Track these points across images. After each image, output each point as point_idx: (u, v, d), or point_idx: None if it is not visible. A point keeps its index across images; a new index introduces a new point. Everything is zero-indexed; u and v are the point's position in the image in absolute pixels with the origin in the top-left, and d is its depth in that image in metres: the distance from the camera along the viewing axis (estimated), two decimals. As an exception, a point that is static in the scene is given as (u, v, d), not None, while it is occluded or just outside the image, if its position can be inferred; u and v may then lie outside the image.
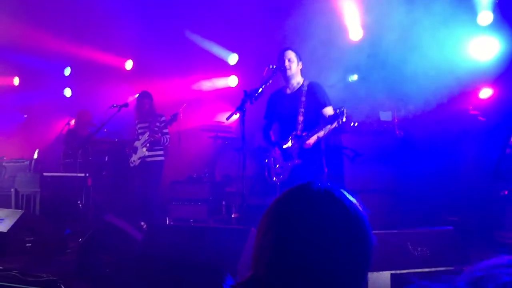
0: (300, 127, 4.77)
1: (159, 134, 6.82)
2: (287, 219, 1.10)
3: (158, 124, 6.90)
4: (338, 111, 4.49)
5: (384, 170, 6.25)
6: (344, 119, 4.46)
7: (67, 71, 10.74)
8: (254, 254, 1.14)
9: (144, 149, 6.87)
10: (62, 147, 8.33)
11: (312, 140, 4.67)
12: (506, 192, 5.42)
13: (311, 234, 1.06)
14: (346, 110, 4.47)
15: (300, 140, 4.69)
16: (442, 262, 3.44)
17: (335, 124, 4.58)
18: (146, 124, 6.99)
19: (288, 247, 1.07)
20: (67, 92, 10.71)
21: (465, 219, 5.57)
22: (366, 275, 1.11)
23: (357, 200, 1.16)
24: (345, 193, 1.15)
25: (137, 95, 7.30)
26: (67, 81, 10.74)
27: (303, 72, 5.07)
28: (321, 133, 4.69)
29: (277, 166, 4.83)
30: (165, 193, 7.49)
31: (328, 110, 4.75)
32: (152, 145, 6.87)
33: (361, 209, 1.14)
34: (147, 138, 6.85)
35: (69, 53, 9.99)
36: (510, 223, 5.23)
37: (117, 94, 9.06)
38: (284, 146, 4.82)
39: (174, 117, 6.83)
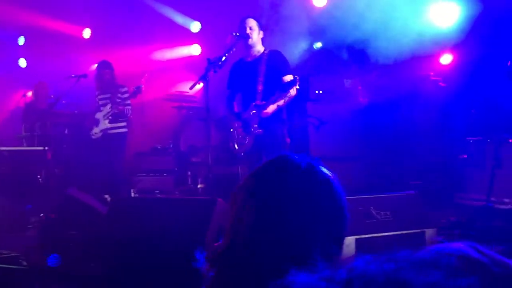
0: (259, 96, 4.74)
1: (122, 106, 6.64)
2: (266, 192, 1.12)
3: (119, 95, 6.70)
4: (292, 78, 4.50)
5: (348, 137, 6.33)
6: (297, 87, 4.48)
7: (21, 41, 10.27)
8: (230, 227, 1.14)
9: (106, 121, 6.68)
10: (21, 120, 8.03)
11: (271, 109, 4.65)
12: (465, 156, 5.59)
13: (289, 206, 1.08)
14: (299, 78, 4.49)
15: (259, 109, 4.67)
16: (405, 225, 3.54)
17: (292, 92, 4.57)
18: (108, 95, 6.76)
19: (268, 220, 1.08)
20: (22, 62, 10.26)
21: (427, 183, 5.73)
22: (343, 241, 1.14)
23: (332, 173, 1.18)
24: (322, 166, 1.17)
25: (96, 65, 7.03)
26: (21, 51, 10.28)
27: (267, 40, 5.01)
28: (281, 102, 4.67)
29: (240, 136, 4.81)
30: (130, 165, 7.37)
31: (288, 78, 4.71)
32: (115, 117, 6.68)
33: (337, 181, 1.16)
34: (109, 110, 6.64)
35: (23, 21, 9.53)
36: (469, 185, 5.41)
37: (75, 64, 8.74)
38: (244, 116, 4.79)
39: (138, 90, 6.64)
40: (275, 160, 1.18)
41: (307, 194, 1.10)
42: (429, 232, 3.53)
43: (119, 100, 6.64)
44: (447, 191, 5.56)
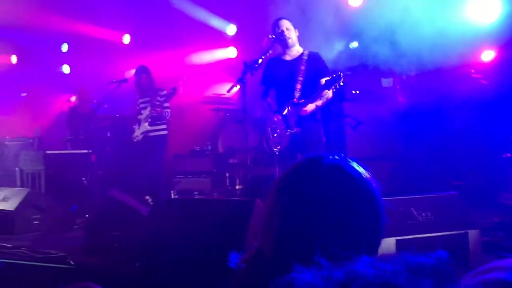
0: (297, 95, 4.74)
1: (160, 108, 6.78)
2: (295, 194, 1.07)
3: (159, 98, 6.86)
4: (335, 75, 4.48)
5: (387, 137, 6.24)
6: (341, 83, 4.45)
7: (65, 48, 10.64)
8: (262, 229, 1.11)
9: (146, 124, 6.84)
10: (66, 124, 8.32)
11: (310, 108, 4.65)
12: (508, 155, 5.43)
13: (320, 210, 1.03)
14: (343, 75, 4.46)
15: (297, 108, 4.67)
16: (447, 227, 3.47)
17: (331, 90, 4.56)
18: (147, 99, 6.94)
19: (296, 223, 1.04)
20: (66, 68, 10.63)
21: (470, 183, 5.58)
22: (378, 248, 1.08)
23: (368, 172, 1.11)
24: (357, 166, 1.11)
25: (134, 70, 7.21)
26: (65, 58, 10.64)
27: (302, 40, 5.02)
28: (319, 102, 4.68)
29: (275, 135, 4.81)
30: (169, 167, 7.52)
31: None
32: (154, 119, 6.84)
33: (373, 182, 1.10)
34: (148, 113, 6.81)
35: (66, 29, 9.87)
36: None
37: (116, 69, 8.99)
38: (282, 114, 4.80)
39: (174, 91, 6.77)
40: (307, 159, 1.13)
41: (338, 195, 1.05)
42: (472, 234, 3.46)
43: (158, 103, 6.79)
44: (491, 191, 5.40)
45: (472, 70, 6.58)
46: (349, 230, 1.03)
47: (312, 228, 1.03)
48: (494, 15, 6.02)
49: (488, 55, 6.62)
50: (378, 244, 1.09)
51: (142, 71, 7.04)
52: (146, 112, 6.86)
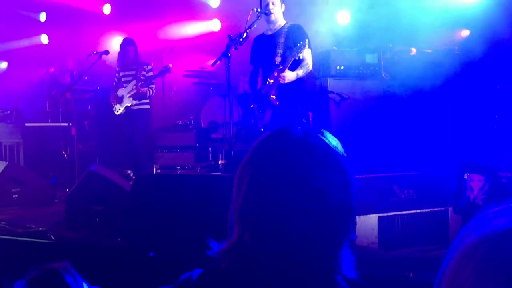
0: (276, 68, 4.73)
1: (146, 86, 6.64)
2: (262, 170, 1.02)
3: (144, 73, 6.71)
4: (301, 42, 4.48)
5: (371, 113, 6.25)
6: (308, 48, 4.56)
7: (43, 17, 10.31)
8: (237, 212, 1.06)
9: (131, 98, 6.68)
10: (45, 96, 8.14)
11: (289, 75, 4.61)
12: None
13: (290, 184, 0.99)
14: (306, 42, 4.52)
15: (276, 76, 4.64)
16: (428, 203, 3.53)
17: (311, 60, 4.58)
18: (132, 72, 6.73)
19: (265, 201, 1.00)
20: (44, 38, 10.33)
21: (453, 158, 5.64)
22: (352, 221, 1.05)
23: (340, 142, 1.07)
24: (326, 136, 1.06)
25: (120, 42, 7.00)
26: (43, 27, 10.33)
27: (288, 15, 4.97)
28: (300, 72, 4.67)
29: (260, 111, 4.83)
30: (151, 141, 7.45)
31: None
32: (140, 96, 6.71)
33: (343, 152, 1.05)
34: (133, 88, 6.63)
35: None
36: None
37: (96, 40, 8.78)
38: (263, 90, 4.80)
39: (168, 70, 6.62)
40: (274, 132, 1.07)
41: (307, 169, 1.00)
42: (453, 210, 3.52)
43: (143, 78, 6.65)
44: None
45: (456, 47, 6.61)
46: (321, 206, 0.99)
47: (282, 205, 0.99)
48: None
49: (465, 33, 6.73)
50: (351, 219, 1.05)
51: (129, 43, 6.83)
52: (130, 86, 6.68)
